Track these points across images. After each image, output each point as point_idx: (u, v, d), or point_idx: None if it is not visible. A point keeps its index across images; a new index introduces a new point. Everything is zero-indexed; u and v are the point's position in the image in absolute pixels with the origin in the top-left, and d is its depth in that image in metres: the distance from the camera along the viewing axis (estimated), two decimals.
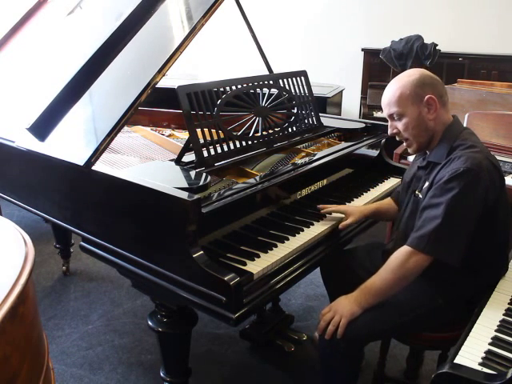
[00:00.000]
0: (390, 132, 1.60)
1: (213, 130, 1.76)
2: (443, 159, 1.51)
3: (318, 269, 1.90)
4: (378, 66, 4.40)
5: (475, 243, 1.48)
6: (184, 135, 2.28)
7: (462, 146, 1.49)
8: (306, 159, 1.90)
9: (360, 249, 1.93)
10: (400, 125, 1.54)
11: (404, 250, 1.48)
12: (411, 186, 1.67)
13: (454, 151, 1.50)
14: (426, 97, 1.49)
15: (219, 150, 1.76)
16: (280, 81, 2.11)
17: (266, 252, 1.54)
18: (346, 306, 1.49)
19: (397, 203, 1.84)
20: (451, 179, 1.42)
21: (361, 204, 1.98)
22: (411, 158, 2.92)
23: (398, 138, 1.61)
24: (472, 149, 1.47)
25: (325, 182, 1.95)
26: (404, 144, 1.61)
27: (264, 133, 1.96)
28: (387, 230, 2.92)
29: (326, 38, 4.75)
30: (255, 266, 1.45)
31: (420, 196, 1.57)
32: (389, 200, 1.92)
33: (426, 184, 1.54)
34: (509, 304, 1.45)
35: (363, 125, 2.37)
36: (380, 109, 4.36)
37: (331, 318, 1.48)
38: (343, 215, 1.79)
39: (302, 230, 1.70)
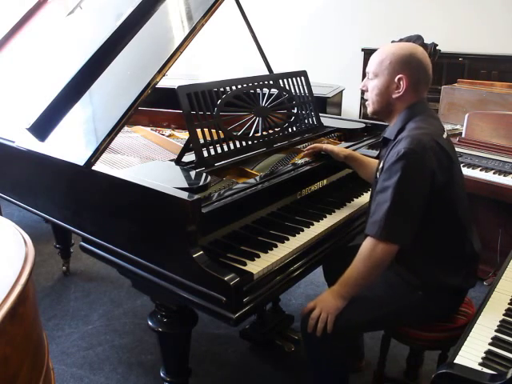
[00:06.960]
0: (361, 86, 1.65)
1: (213, 130, 1.76)
2: (392, 136, 1.54)
3: (318, 269, 1.90)
4: None
5: (435, 228, 1.51)
6: (184, 135, 2.28)
7: (410, 126, 1.51)
8: (306, 159, 1.90)
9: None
10: (370, 85, 1.60)
11: (368, 239, 1.49)
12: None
13: (403, 131, 1.52)
14: (399, 76, 1.51)
15: (219, 150, 1.76)
16: (280, 81, 2.11)
17: (266, 252, 1.54)
18: (330, 302, 1.52)
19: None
20: (396, 161, 1.43)
21: (360, 203, 1.98)
22: None
23: (364, 96, 1.67)
24: (419, 130, 1.47)
25: (325, 181, 1.95)
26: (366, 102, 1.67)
27: (264, 133, 1.96)
28: None
29: (326, 37, 4.75)
30: (255, 266, 1.45)
31: (377, 177, 1.59)
32: (375, 161, 1.92)
33: (381, 164, 1.56)
34: (509, 304, 1.45)
35: (363, 125, 2.36)
36: None
37: (318, 315, 1.51)
38: (341, 217, 1.83)
39: (302, 230, 1.70)
